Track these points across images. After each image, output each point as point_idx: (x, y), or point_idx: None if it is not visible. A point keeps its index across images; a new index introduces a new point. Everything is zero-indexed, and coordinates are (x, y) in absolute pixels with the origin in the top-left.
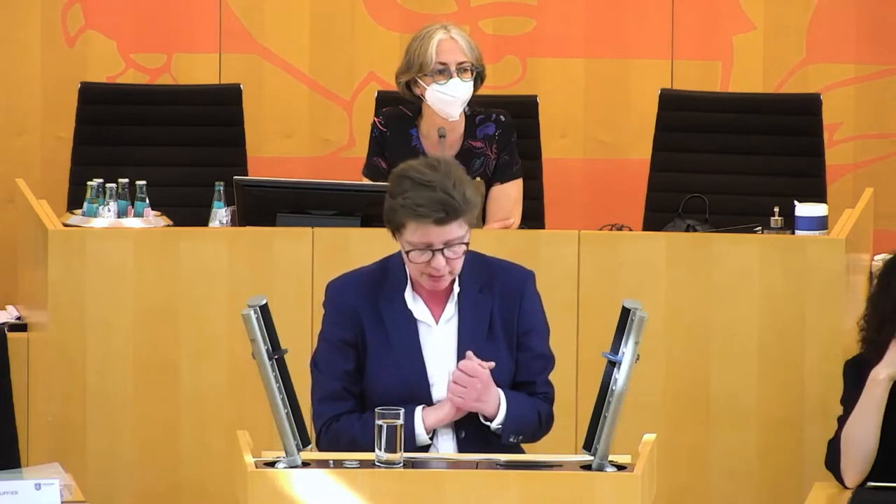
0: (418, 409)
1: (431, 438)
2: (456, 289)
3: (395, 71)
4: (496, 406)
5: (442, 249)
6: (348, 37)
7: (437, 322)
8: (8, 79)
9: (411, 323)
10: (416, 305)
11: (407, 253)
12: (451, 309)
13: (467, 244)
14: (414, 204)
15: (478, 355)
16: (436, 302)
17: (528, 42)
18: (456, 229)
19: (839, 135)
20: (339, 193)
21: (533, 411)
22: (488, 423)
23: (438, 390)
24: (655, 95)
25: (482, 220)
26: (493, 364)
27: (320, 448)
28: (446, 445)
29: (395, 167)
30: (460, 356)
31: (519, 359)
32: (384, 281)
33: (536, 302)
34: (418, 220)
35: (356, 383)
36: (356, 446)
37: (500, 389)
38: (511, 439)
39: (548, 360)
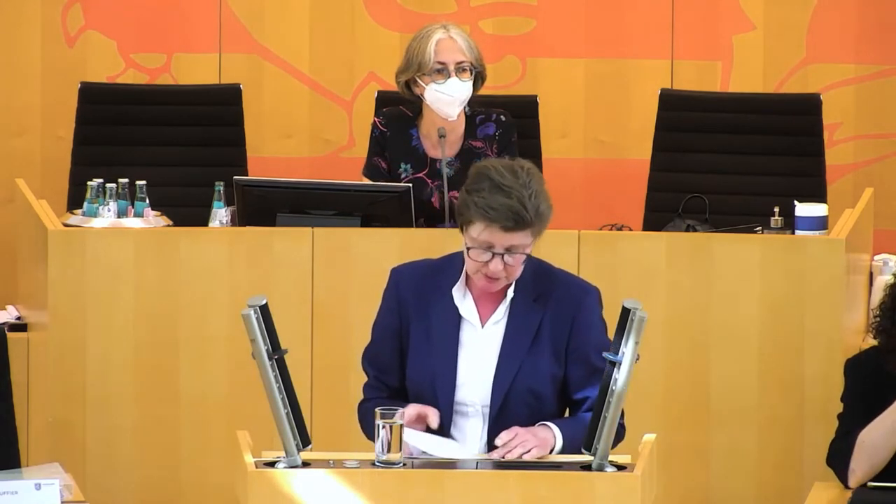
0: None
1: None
2: (510, 294)
3: (395, 70)
4: (552, 441)
5: (502, 254)
6: (348, 37)
7: (483, 324)
8: (8, 79)
9: (455, 319)
10: (464, 303)
11: (468, 249)
12: (501, 313)
13: (527, 254)
14: (487, 206)
15: (519, 361)
16: (487, 303)
17: (528, 42)
18: (521, 238)
19: (839, 135)
20: (339, 193)
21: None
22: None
23: (467, 391)
24: (655, 95)
25: None
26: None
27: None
28: (471, 445)
29: (394, 167)
30: (501, 362)
31: (574, 374)
32: (443, 274)
33: (593, 319)
34: (487, 222)
35: (395, 375)
36: (370, 431)
37: (551, 423)
38: None
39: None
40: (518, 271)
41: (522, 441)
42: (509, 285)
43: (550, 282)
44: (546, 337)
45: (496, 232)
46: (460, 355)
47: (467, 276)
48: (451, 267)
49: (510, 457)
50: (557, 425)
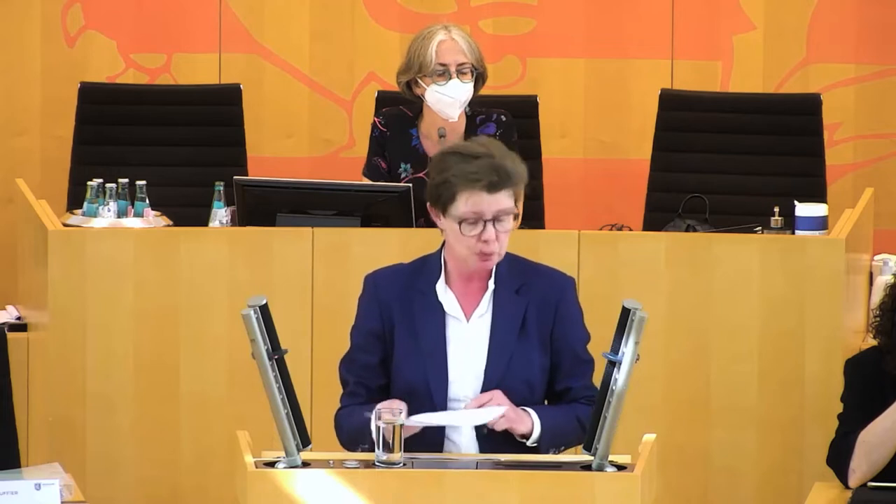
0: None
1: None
2: (491, 286)
3: (396, 70)
4: (529, 423)
5: (493, 220)
6: (348, 37)
7: (468, 318)
8: (8, 79)
9: (440, 316)
10: (447, 298)
11: (459, 224)
12: (485, 306)
13: (516, 218)
14: (467, 172)
15: (509, 352)
16: (469, 298)
17: (528, 42)
18: (505, 199)
19: (839, 135)
20: (339, 193)
21: (570, 420)
22: (524, 441)
23: (458, 388)
24: (655, 95)
25: None
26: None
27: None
28: (467, 443)
29: (394, 167)
30: (491, 353)
31: (557, 364)
32: (420, 274)
33: (574, 307)
34: (471, 186)
35: (376, 377)
36: (349, 435)
37: (531, 408)
38: (551, 451)
39: (587, 365)
40: (507, 241)
41: (498, 403)
42: (490, 277)
43: (528, 273)
44: (532, 327)
45: (482, 195)
46: (449, 351)
47: (447, 273)
48: (427, 267)
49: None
50: (537, 412)
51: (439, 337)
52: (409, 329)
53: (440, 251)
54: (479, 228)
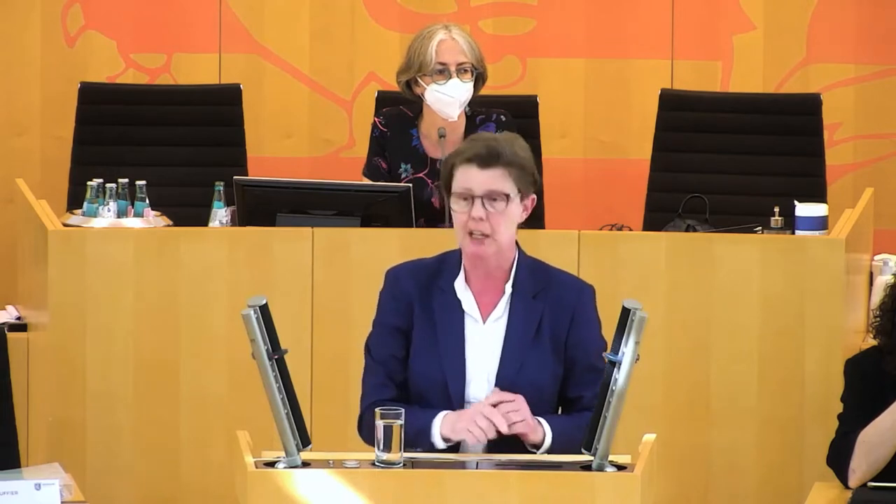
0: (438, 416)
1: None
2: (508, 290)
3: (396, 70)
4: (542, 434)
5: (482, 198)
6: (348, 37)
7: (484, 320)
8: (8, 79)
9: (458, 314)
10: (465, 296)
11: (454, 203)
12: (501, 309)
13: (509, 201)
14: (462, 149)
15: (522, 357)
16: (486, 299)
17: (528, 42)
18: (499, 179)
19: (839, 135)
20: (339, 193)
21: (580, 429)
22: (534, 451)
23: (475, 387)
24: (655, 95)
25: None
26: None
27: (361, 431)
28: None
29: (395, 167)
30: (504, 357)
31: (570, 371)
32: (440, 271)
33: (590, 316)
34: (464, 162)
35: (403, 370)
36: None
37: (542, 417)
38: None
39: (600, 374)
40: (503, 226)
41: (518, 409)
42: (506, 282)
43: (548, 279)
44: (546, 333)
45: (472, 171)
46: (466, 352)
47: (466, 273)
48: (447, 264)
49: (500, 421)
50: (549, 423)
51: (458, 335)
52: (428, 325)
53: (460, 248)
54: (467, 206)
